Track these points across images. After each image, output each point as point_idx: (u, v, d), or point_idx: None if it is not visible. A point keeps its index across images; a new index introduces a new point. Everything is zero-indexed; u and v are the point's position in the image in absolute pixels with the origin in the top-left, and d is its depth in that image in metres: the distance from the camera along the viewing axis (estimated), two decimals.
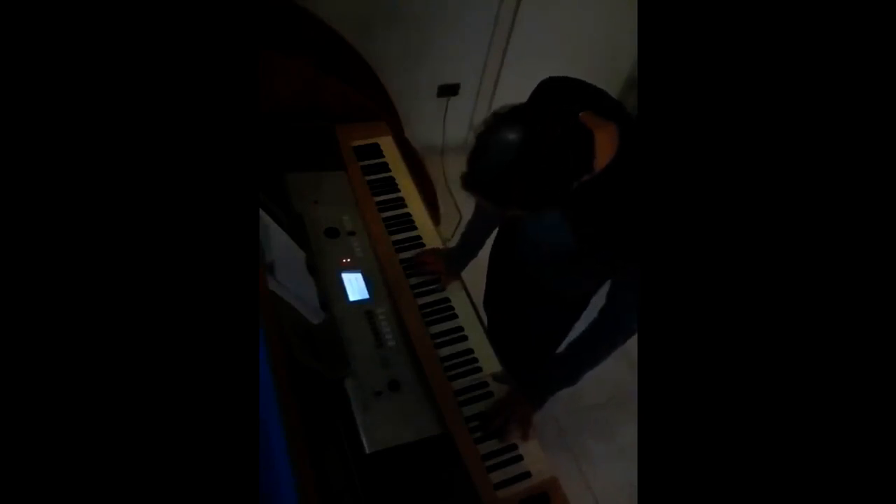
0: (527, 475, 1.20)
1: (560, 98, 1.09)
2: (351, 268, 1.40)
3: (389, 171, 1.63)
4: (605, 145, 0.98)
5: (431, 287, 1.45)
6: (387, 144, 1.68)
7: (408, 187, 1.60)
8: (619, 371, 2.25)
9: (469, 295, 1.47)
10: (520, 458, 1.22)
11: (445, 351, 1.34)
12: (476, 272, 1.57)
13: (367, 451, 1.14)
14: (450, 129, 2.48)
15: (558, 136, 0.88)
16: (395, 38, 2.15)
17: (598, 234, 1.06)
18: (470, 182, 0.93)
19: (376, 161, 1.64)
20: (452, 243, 1.52)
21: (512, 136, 0.87)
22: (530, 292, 1.44)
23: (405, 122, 1.92)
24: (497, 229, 1.50)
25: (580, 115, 0.99)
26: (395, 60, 2.19)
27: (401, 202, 1.57)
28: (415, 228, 1.54)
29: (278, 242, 1.24)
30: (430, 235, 1.53)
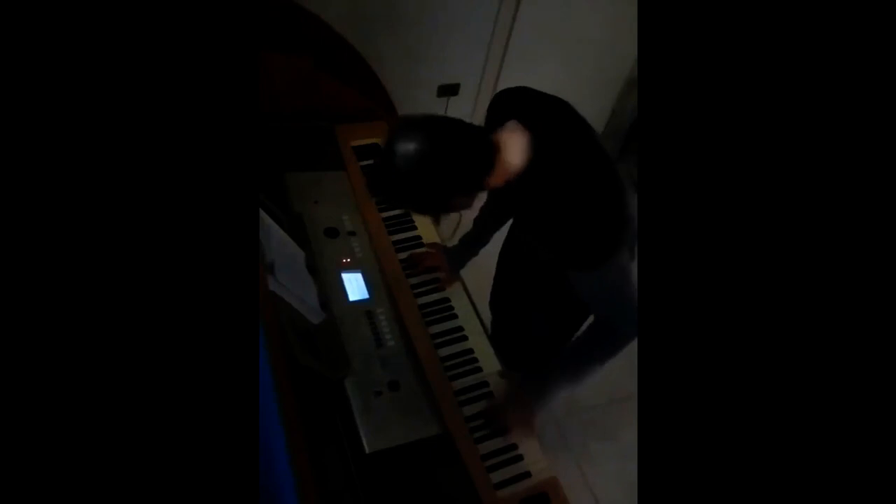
0: (527, 475, 1.20)
1: (499, 113, 1.12)
2: (351, 268, 1.40)
3: None
4: (516, 152, 1.01)
5: (431, 287, 1.45)
6: None
7: None
8: (619, 371, 2.24)
9: (469, 295, 1.47)
10: (520, 458, 1.22)
11: (445, 351, 1.34)
12: (476, 272, 1.57)
13: (367, 451, 1.13)
14: None
15: (452, 145, 0.94)
16: (395, 38, 2.14)
17: (533, 234, 1.11)
18: (369, 184, 1.02)
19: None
20: (452, 243, 1.52)
21: (409, 146, 0.93)
22: (536, 293, 1.44)
23: None
24: (507, 231, 1.51)
25: (507, 123, 1.03)
26: (395, 60, 2.18)
27: None
28: (415, 228, 1.54)
29: (278, 242, 1.24)
30: (430, 235, 1.53)
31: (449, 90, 2.40)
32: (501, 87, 1.16)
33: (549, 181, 1.01)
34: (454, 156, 0.95)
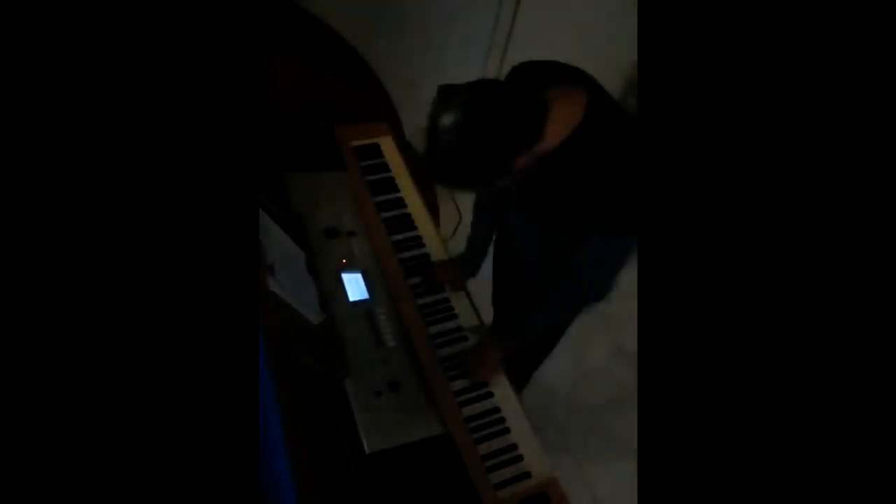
0: (527, 475, 1.20)
1: (524, 74, 1.09)
2: (351, 268, 1.40)
3: (389, 171, 1.63)
4: (568, 113, 0.98)
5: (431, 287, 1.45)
6: (387, 144, 1.68)
7: (408, 187, 1.60)
8: (619, 371, 2.25)
9: (469, 295, 1.47)
10: (520, 458, 1.22)
11: (445, 351, 1.34)
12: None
13: (367, 451, 1.13)
14: None
15: (498, 105, 0.88)
16: (396, 39, 2.14)
17: (563, 206, 1.07)
18: (428, 166, 0.94)
19: (376, 161, 1.64)
20: (453, 243, 1.52)
21: (450, 113, 0.87)
22: (528, 294, 1.44)
23: (405, 123, 1.92)
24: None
25: (554, 84, 0.99)
26: (396, 60, 2.18)
27: (401, 202, 1.57)
28: (415, 228, 1.54)
29: (278, 242, 1.24)
30: (430, 235, 1.53)
31: None
32: (520, 62, 1.15)
33: (607, 136, 0.99)
34: (501, 115, 0.88)
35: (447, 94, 0.90)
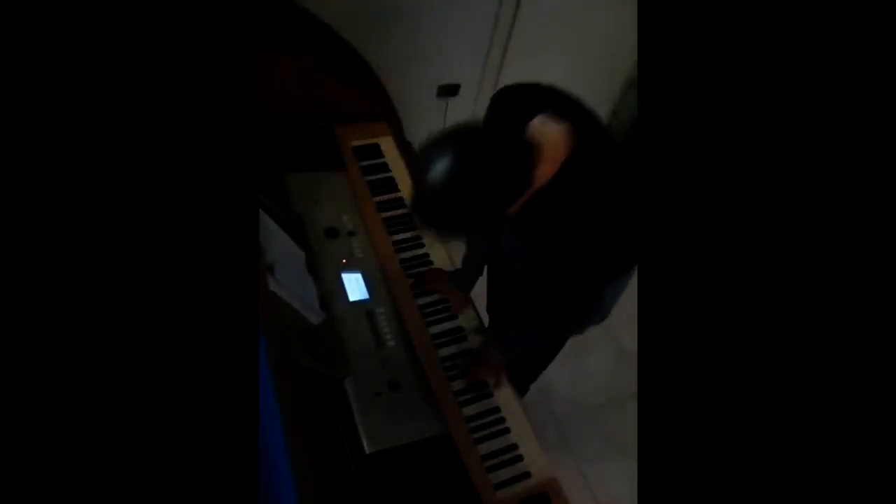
0: (527, 475, 1.20)
1: (513, 108, 1.05)
2: (351, 268, 1.40)
3: (389, 171, 1.63)
4: (556, 150, 0.95)
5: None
6: (387, 144, 1.68)
7: (408, 187, 1.60)
8: (619, 371, 2.25)
9: (472, 303, 1.47)
10: (520, 458, 1.22)
11: (445, 351, 1.34)
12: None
13: (367, 451, 1.13)
14: None
15: (487, 157, 0.85)
16: (395, 38, 2.14)
17: (555, 239, 1.04)
18: (415, 216, 0.91)
19: (376, 161, 1.64)
20: (452, 243, 1.52)
21: (440, 165, 0.83)
22: (526, 304, 1.43)
23: (405, 123, 1.92)
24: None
25: (537, 117, 0.97)
26: (395, 60, 2.18)
27: (401, 202, 1.57)
28: (415, 228, 1.54)
29: (278, 242, 1.24)
30: (431, 235, 1.53)
31: (449, 90, 2.40)
32: (501, 87, 1.14)
33: (595, 171, 0.96)
34: (491, 162, 0.85)
35: (432, 147, 0.87)
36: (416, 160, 0.88)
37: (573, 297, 1.14)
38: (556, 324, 1.23)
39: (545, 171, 0.93)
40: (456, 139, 0.86)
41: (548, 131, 0.95)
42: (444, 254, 1.51)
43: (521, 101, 1.05)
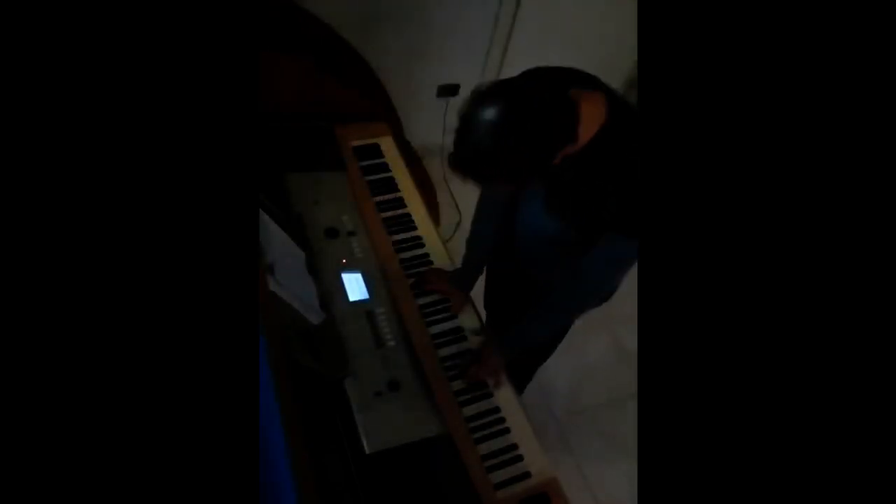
0: (527, 475, 1.20)
1: (544, 76, 1.09)
2: (351, 268, 1.40)
3: (389, 171, 1.63)
4: (593, 114, 0.99)
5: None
6: (387, 144, 1.68)
7: (408, 187, 1.60)
8: (619, 371, 2.25)
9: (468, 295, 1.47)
10: (520, 458, 1.22)
11: (445, 351, 1.34)
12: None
13: (367, 451, 1.13)
14: (450, 129, 2.47)
15: (538, 107, 0.89)
16: (395, 38, 2.14)
17: (586, 207, 1.08)
18: (454, 160, 0.95)
19: (376, 161, 1.64)
20: (452, 243, 1.52)
21: (491, 111, 0.87)
22: (526, 294, 1.44)
23: (405, 123, 1.92)
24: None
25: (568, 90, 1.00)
26: (395, 60, 2.18)
27: (401, 202, 1.57)
28: (415, 228, 1.54)
29: (278, 242, 1.24)
30: (430, 235, 1.53)
31: (449, 90, 2.40)
32: (527, 69, 1.15)
33: (631, 137, 1.00)
34: (541, 111, 0.89)
35: (482, 94, 0.90)
36: (464, 106, 0.92)
37: (581, 272, 1.15)
38: (565, 305, 1.25)
39: (584, 132, 0.97)
40: (506, 90, 0.90)
41: (585, 98, 0.99)
42: (445, 254, 1.51)
43: (557, 74, 1.09)
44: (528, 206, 1.22)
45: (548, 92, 0.93)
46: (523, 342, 1.31)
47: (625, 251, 1.08)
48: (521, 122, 0.88)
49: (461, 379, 1.30)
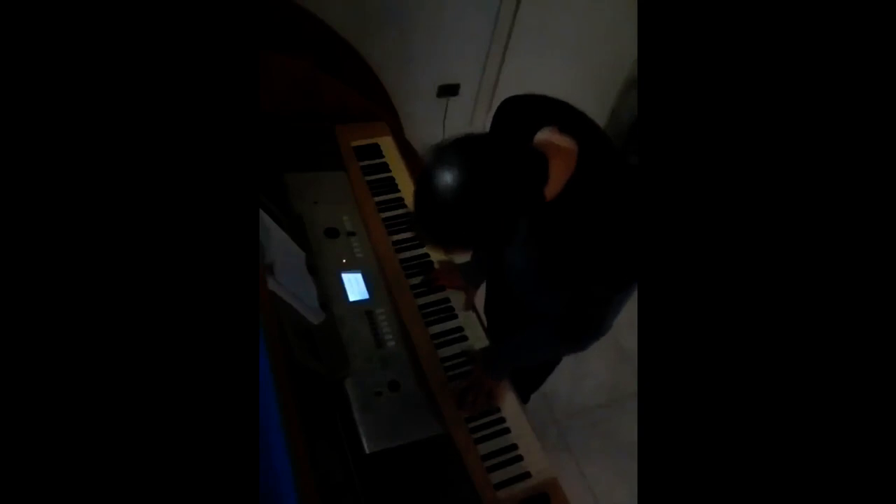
0: (527, 475, 1.20)
1: (518, 121, 1.02)
2: (351, 268, 1.40)
3: (389, 171, 1.63)
4: (561, 168, 0.92)
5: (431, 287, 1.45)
6: (387, 144, 1.68)
7: (408, 187, 1.60)
8: (619, 371, 2.25)
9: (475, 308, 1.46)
10: (520, 458, 1.22)
11: (445, 351, 1.34)
12: None
13: (367, 451, 1.13)
14: (450, 129, 2.48)
15: (502, 168, 0.81)
16: (396, 38, 2.14)
17: (559, 257, 1.03)
18: (413, 224, 0.89)
19: (376, 161, 1.64)
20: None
21: (449, 176, 0.78)
22: (521, 311, 1.43)
23: (405, 122, 1.92)
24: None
25: (541, 131, 0.95)
26: (395, 60, 2.18)
27: (401, 202, 1.57)
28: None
29: (278, 242, 1.24)
30: None
31: (449, 90, 2.40)
32: (502, 87, 1.14)
33: (601, 188, 0.95)
34: (505, 173, 0.81)
35: (439, 156, 0.82)
36: (421, 170, 0.83)
37: (571, 314, 1.11)
38: (544, 341, 1.21)
39: (551, 187, 0.91)
40: (464, 148, 0.82)
41: (554, 148, 0.93)
42: (444, 254, 1.51)
43: (528, 113, 1.02)
44: (509, 256, 1.19)
45: (511, 150, 0.86)
46: (516, 362, 1.28)
47: (607, 297, 1.04)
48: (484, 186, 0.79)
49: (460, 410, 1.26)
